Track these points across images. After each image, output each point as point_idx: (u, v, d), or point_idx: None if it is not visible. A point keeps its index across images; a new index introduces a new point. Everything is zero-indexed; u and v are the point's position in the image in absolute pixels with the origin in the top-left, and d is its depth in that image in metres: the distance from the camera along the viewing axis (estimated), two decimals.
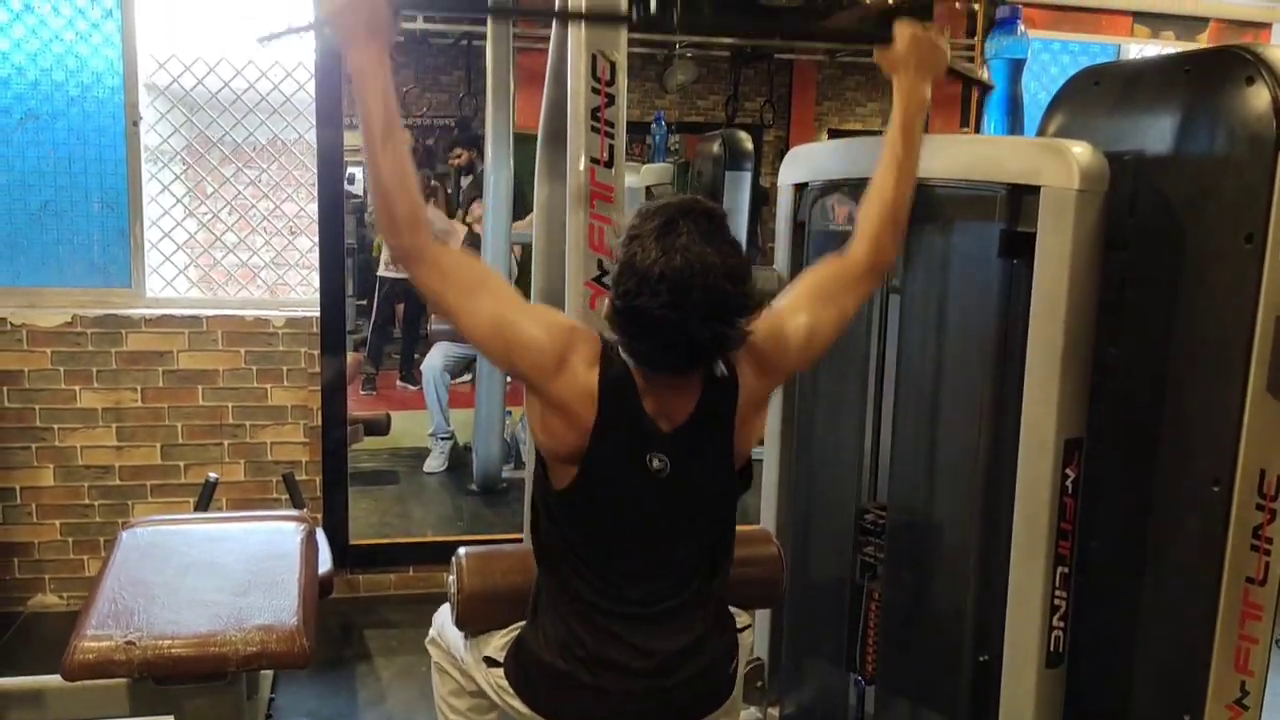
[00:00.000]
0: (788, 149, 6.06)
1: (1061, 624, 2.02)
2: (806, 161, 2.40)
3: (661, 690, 1.59)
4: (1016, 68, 2.11)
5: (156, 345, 3.36)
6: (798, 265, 2.44)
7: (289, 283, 3.66)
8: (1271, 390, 1.83)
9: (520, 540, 3.71)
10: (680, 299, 1.36)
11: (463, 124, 7.59)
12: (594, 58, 2.01)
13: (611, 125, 2.03)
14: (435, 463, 5.09)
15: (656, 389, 1.51)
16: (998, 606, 2.07)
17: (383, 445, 4.82)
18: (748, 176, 4.77)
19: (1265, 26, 3.85)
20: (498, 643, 1.74)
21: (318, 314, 3.41)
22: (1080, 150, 1.90)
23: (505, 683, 1.68)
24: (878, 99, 9.25)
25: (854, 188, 2.26)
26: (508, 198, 4.37)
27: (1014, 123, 2.13)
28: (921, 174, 2.11)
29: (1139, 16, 3.85)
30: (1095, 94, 2.18)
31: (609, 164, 2.03)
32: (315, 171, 3.43)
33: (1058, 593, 2.01)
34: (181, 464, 3.42)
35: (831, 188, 2.30)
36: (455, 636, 1.88)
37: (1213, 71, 1.90)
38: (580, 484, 1.52)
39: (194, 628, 1.86)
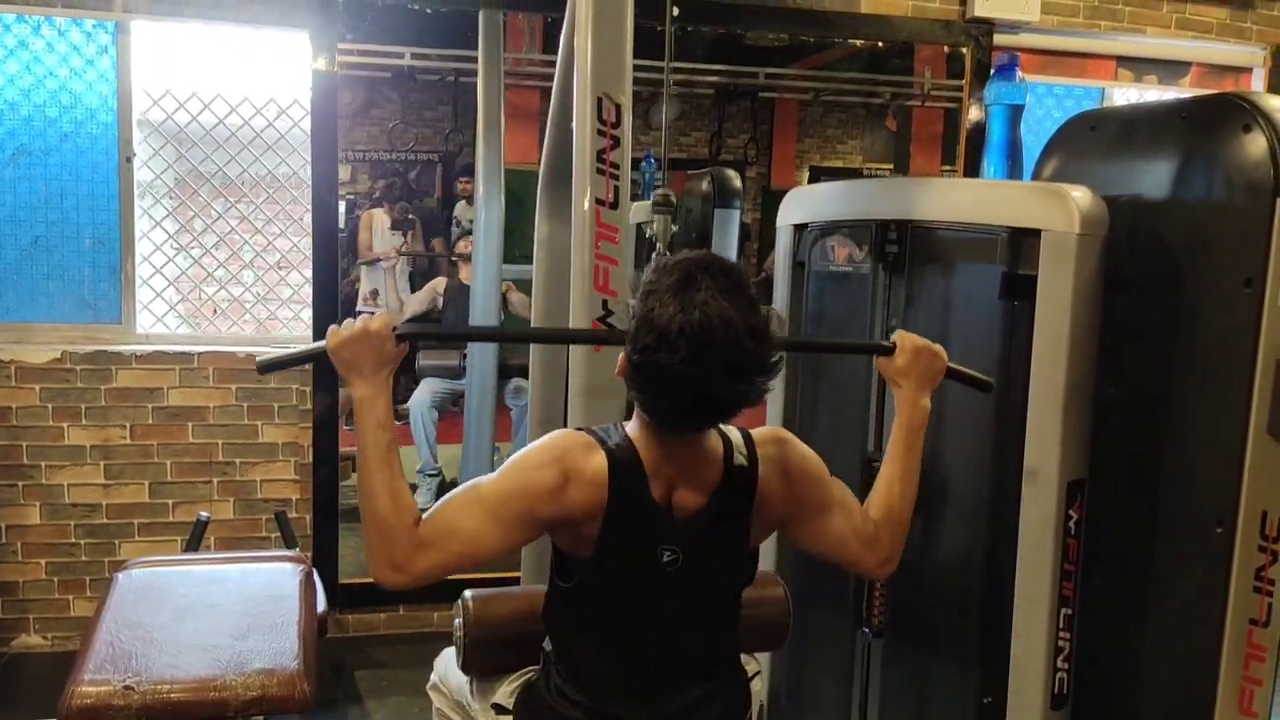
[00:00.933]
0: (769, 186, 6.12)
1: (1065, 665, 2.02)
2: (807, 202, 2.42)
3: None
4: (1015, 113, 2.14)
5: (146, 382, 3.33)
6: (797, 304, 2.46)
7: (280, 318, 3.64)
8: (1272, 433, 1.85)
9: (519, 579, 3.70)
10: (699, 354, 1.34)
11: (450, 158, 7.61)
12: (600, 100, 2.03)
13: (616, 167, 2.04)
14: (422, 499, 5.06)
15: (671, 465, 1.48)
16: (1001, 648, 2.07)
17: None
18: (736, 215, 4.80)
19: (1246, 71, 3.93)
20: (506, 689, 1.72)
21: None
22: (1080, 195, 1.93)
23: None
24: (858, 137, 9.35)
25: (854, 229, 2.29)
26: (499, 234, 4.38)
27: (1013, 167, 2.16)
28: (923, 216, 2.15)
29: (1123, 61, 3.91)
30: (1091, 139, 2.22)
31: (614, 205, 2.04)
32: (307, 207, 3.43)
33: (1061, 634, 2.01)
34: (170, 502, 3.38)
35: (832, 228, 2.32)
36: (460, 682, 1.85)
37: (1211, 119, 1.93)
38: (589, 576, 1.49)
39: (193, 672, 1.83)
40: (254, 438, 3.42)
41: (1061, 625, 2.00)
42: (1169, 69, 3.94)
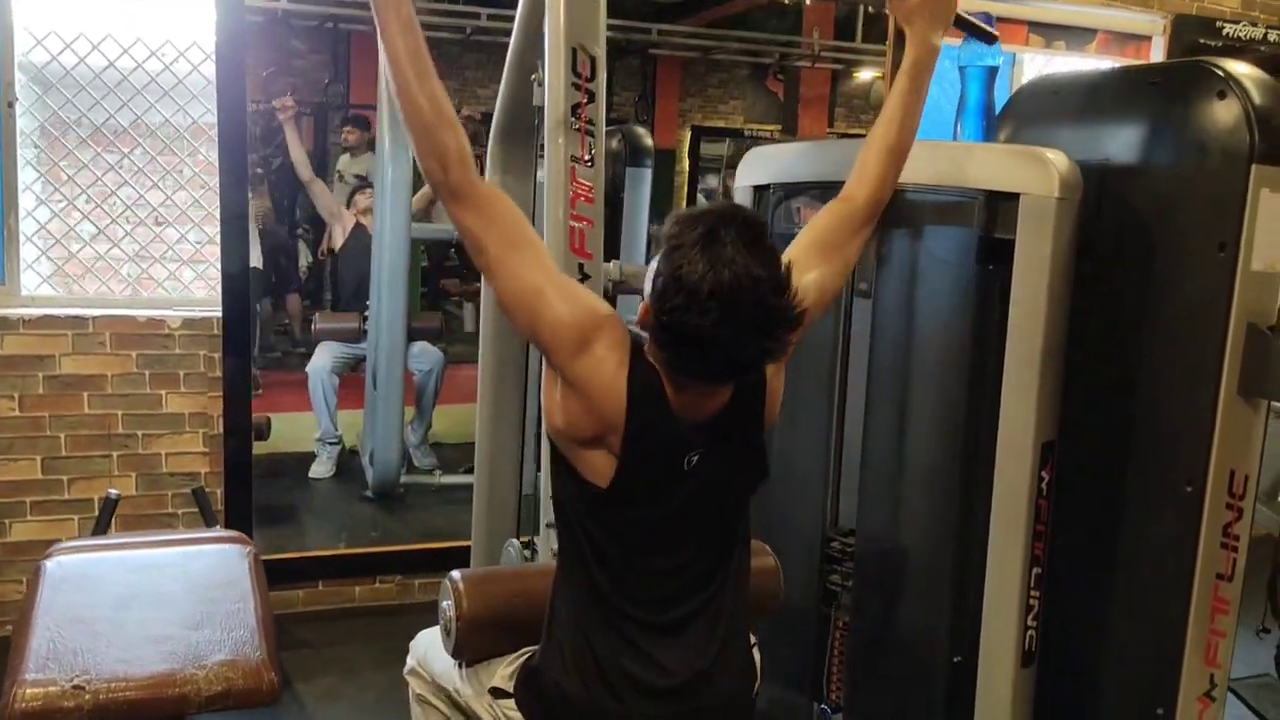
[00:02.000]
0: (654, 144, 6.04)
1: (1035, 623, 2.06)
2: (769, 163, 2.37)
3: (690, 714, 1.53)
4: (990, 74, 2.13)
5: (36, 349, 3.06)
6: None
7: (181, 279, 3.40)
8: (1242, 394, 1.91)
9: (458, 545, 3.59)
10: (730, 315, 1.32)
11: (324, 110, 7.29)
12: (574, 51, 1.92)
13: (592, 123, 1.94)
14: (322, 468, 4.85)
15: (686, 390, 1.46)
16: (970, 609, 2.09)
17: (261, 451, 4.59)
18: (648, 173, 4.73)
19: (1147, 39, 4.06)
20: (503, 671, 1.64)
21: (219, 314, 3.18)
22: (1057, 158, 1.93)
23: (518, 714, 1.59)
24: (740, 97, 9.44)
25: (824, 190, 2.24)
26: (407, 188, 4.19)
27: (989, 130, 2.15)
28: (903, 179, 2.12)
29: (1033, 26, 3.99)
30: (1054, 103, 2.23)
31: (590, 163, 1.94)
32: (209, 159, 3.20)
33: (1032, 593, 2.04)
34: (65, 479, 3.13)
35: (797, 190, 2.28)
36: (446, 666, 1.76)
37: (1183, 85, 1.96)
38: (616, 485, 1.46)
39: (149, 667, 1.69)
40: (157, 408, 3.19)
41: (1032, 584, 2.04)
42: (1076, 36, 4.04)
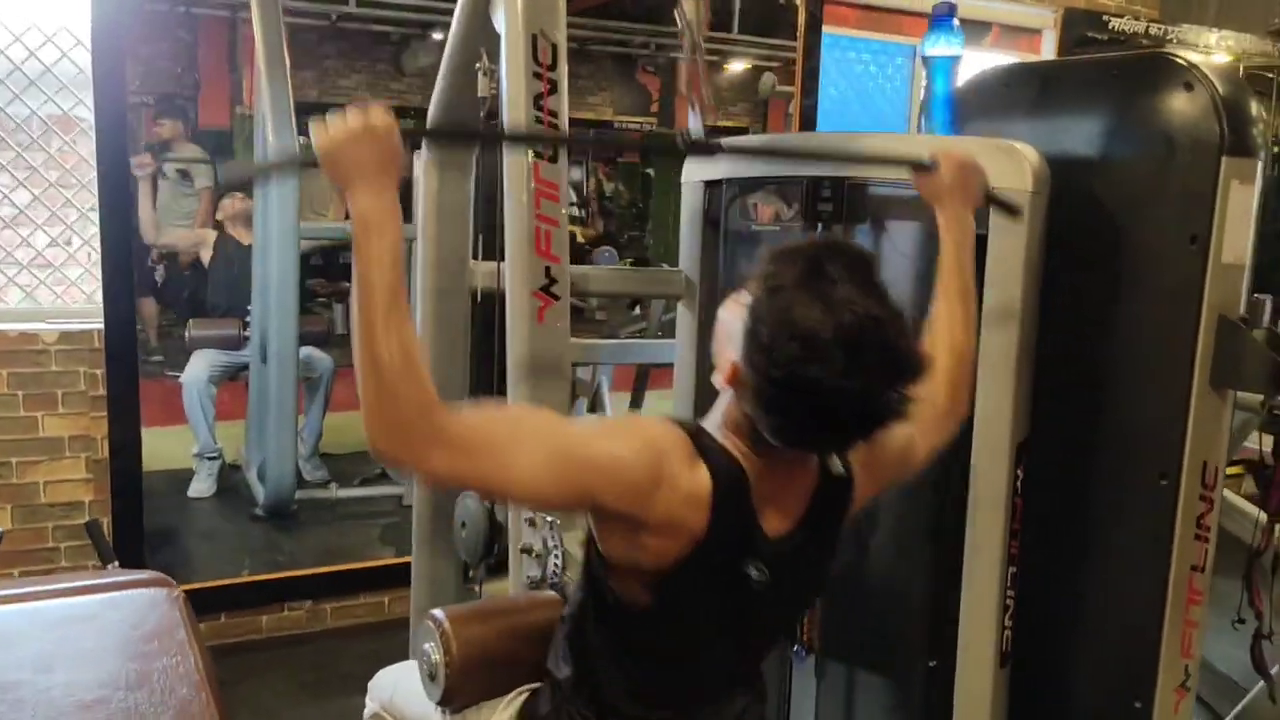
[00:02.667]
0: None
1: (1010, 623, 2.03)
2: (719, 158, 2.27)
3: None
4: (955, 65, 2.09)
5: None
6: (710, 266, 2.32)
7: (51, 287, 3.08)
8: (1214, 385, 1.92)
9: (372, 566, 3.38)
10: (856, 363, 1.13)
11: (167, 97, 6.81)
12: (534, 38, 1.78)
13: (555, 115, 1.81)
14: (203, 486, 4.52)
15: (769, 483, 1.28)
16: (944, 612, 2.06)
17: None
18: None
19: (1037, 33, 4.15)
20: (503, 715, 1.50)
21: (100, 325, 2.89)
22: (1030, 151, 1.90)
23: None
24: (609, 88, 9.34)
25: (781, 186, 2.17)
26: (294, 189, 3.92)
27: (954, 122, 2.11)
28: (861, 172, 2.06)
29: None
30: (1008, 95, 2.21)
31: (554, 159, 1.81)
32: (81, 155, 2.91)
33: (1009, 593, 2.02)
34: None
35: (754, 185, 2.19)
36: (423, 712, 1.61)
37: (1148, 77, 1.95)
38: (663, 600, 1.27)
39: None
40: (33, 431, 2.88)
41: (1009, 584, 2.01)
42: (974, 30, 4.09)
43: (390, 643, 3.23)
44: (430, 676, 1.54)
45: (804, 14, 3.63)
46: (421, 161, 2.21)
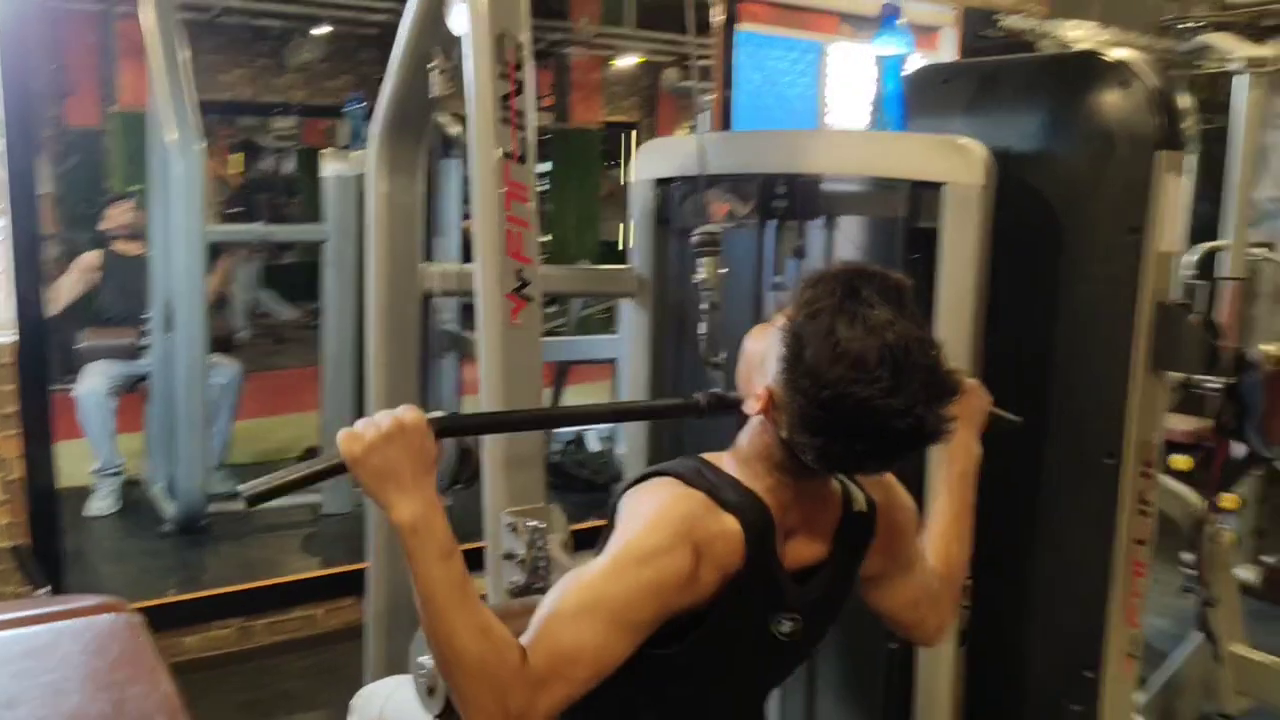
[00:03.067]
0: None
1: (967, 603, 2.10)
2: (672, 155, 2.29)
3: None
4: (903, 63, 2.15)
5: None
6: (661, 263, 2.34)
7: None
8: (1152, 368, 2.02)
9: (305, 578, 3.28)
10: (901, 384, 1.14)
11: None
12: (500, 38, 1.76)
13: (522, 115, 1.79)
14: (104, 503, 4.33)
15: (795, 514, 1.29)
16: None
17: None
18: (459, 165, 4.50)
19: (936, 30, 4.28)
20: None
21: (15, 338, 2.73)
22: (979, 147, 1.97)
23: None
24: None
25: (735, 183, 2.19)
26: (199, 184, 3.77)
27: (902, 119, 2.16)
28: (815, 169, 2.10)
29: (844, 18, 4.12)
30: (946, 92, 2.28)
31: (522, 159, 1.79)
32: None
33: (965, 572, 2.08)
34: None
35: (707, 183, 2.20)
36: None
37: (1085, 75, 2.04)
38: (689, 643, 1.25)
39: None
40: None
41: None
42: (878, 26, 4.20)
43: (329, 656, 3.17)
44: (430, 690, 1.51)
45: (721, 12, 3.67)
46: (370, 163, 2.16)
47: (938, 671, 2.09)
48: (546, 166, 8.70)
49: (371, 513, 2.27)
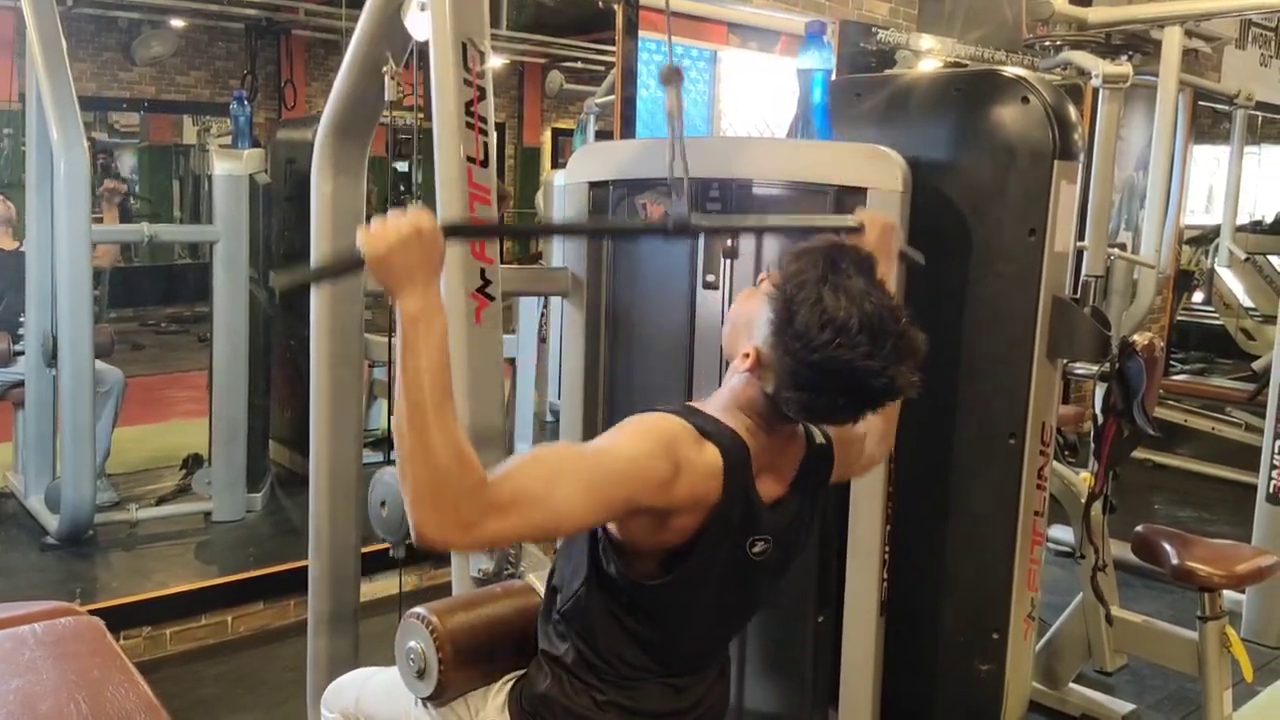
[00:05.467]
0: (279, 130, 5.66)
1: (887, 576, 2.28)
2: (606, 159, 2.38)
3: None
4: (828, 77, 2.29)
5: None
6: (596, 262, 2.43)
7: None
8: (1049, 357, 2.24)
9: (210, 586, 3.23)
10: (878, 347, 1.30)
11: None
12: (464, 46, 1.83)
13: (485, 120, 1.86)
14: None
15: (768, 454, 1.42)
16: (830, 570, 2.28)
17: None
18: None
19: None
20: (492, 705, 1.55)
21: None
22: (897, 157, 2.14)
23: None
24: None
25: (671, 186, 2.30)
26: (84, 184, 3.64)
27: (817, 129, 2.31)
28: (747, 174, 2.24)
29: (732, 28, 4.30)
30: (859, 105, 2.45)
31: (484, 163, 1.86)
32: None
33: (885, 548, 2.26)
34: None
35: (643, 186, 2.31)
36: (401, 710, 1.63)
37: (989, 91, 2.25)
38: (677, 573, 1.38)
39: None
40: None
41: (885, 540, 2.25)
42: (766, 37, 4.40)
43: (243, 662, 3.13)
44: (419, 674, 1.56)
45: (621, 18, 3.78)
46: (315, 164, 2.17)
47: (862, 640, 2.25)
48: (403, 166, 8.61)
49: (314, 506, 2.28)
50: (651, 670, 1.47)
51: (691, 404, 1.47)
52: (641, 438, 1.32)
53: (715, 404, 1.44)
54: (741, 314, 1.42)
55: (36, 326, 4.02)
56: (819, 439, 1.53)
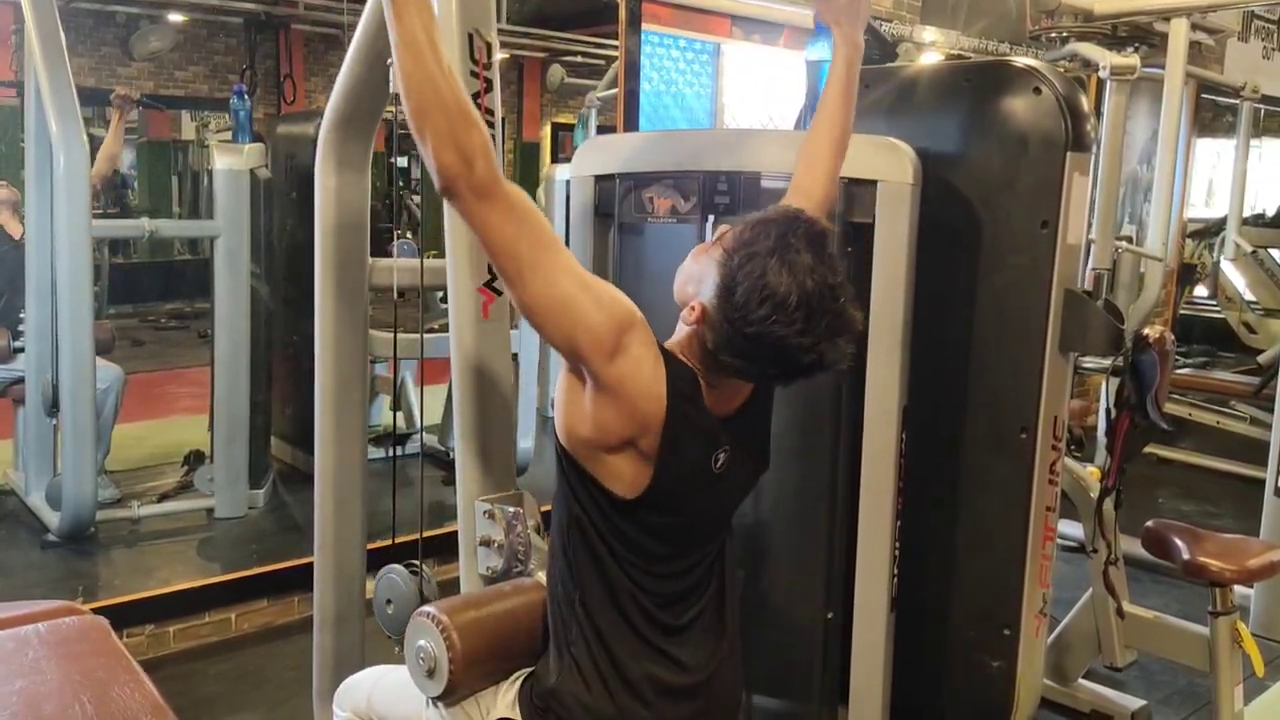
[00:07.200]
0: (279, 125, 5.65)
1: (896, 571, 2.26)
2: (612, 152, 2.36)
3: (710, 709, 1.54)
4: None
5: None
6: (602, 257, 2.41)
7: None
8: (1061, 350, 2.22)
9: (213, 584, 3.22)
10: (813, 325, 1.34)
11: None
12: (470, 37, 1.80)
13: (491, 113, 1.83)
14: None
15: (719, 388, 1.46)
16: (838, 568, 2.26)
17: None
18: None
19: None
20: (504, 699, 1.54)
21: None
22: (908, 149, 2.12)
23: None
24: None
25: (678, 180, 2.28)
26: (84, 178, 3.61)
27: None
28: (755, 167, 2.21)
29: (735, 20, 4.27)
30: (867, 96, 2.42)
31: None
32: None
33: (895, 544, 2.24)
34: None
35: (649, 180, 2.29)
36: (413, 709, 1.62)
37: (1000, 82, 2.22)
38: (648, 492, 1.42)
39: None
40: None
41: (895, 537, 2.23)
42: (768, 30, 4.37)
43: (246, 660, 3.12)
44: (429, 673, 1.54)
45: (624, 11, 3.75)
46: (319, 158, 2.15)
47: (871, 637, 2.23)
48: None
49: (320, 506, 2.26)
50: (642, 625, 1.48)
51: None
52: (614, 303, 1.38)
53: (671, 344, 1.47)
54: (694, 268, 1.45)
55: (37, 325, 4.00)
56: None
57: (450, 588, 1.94)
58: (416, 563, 2.04)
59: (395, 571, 2.05)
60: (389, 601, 2.04)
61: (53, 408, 3.84)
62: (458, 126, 1.28)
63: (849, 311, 1.37)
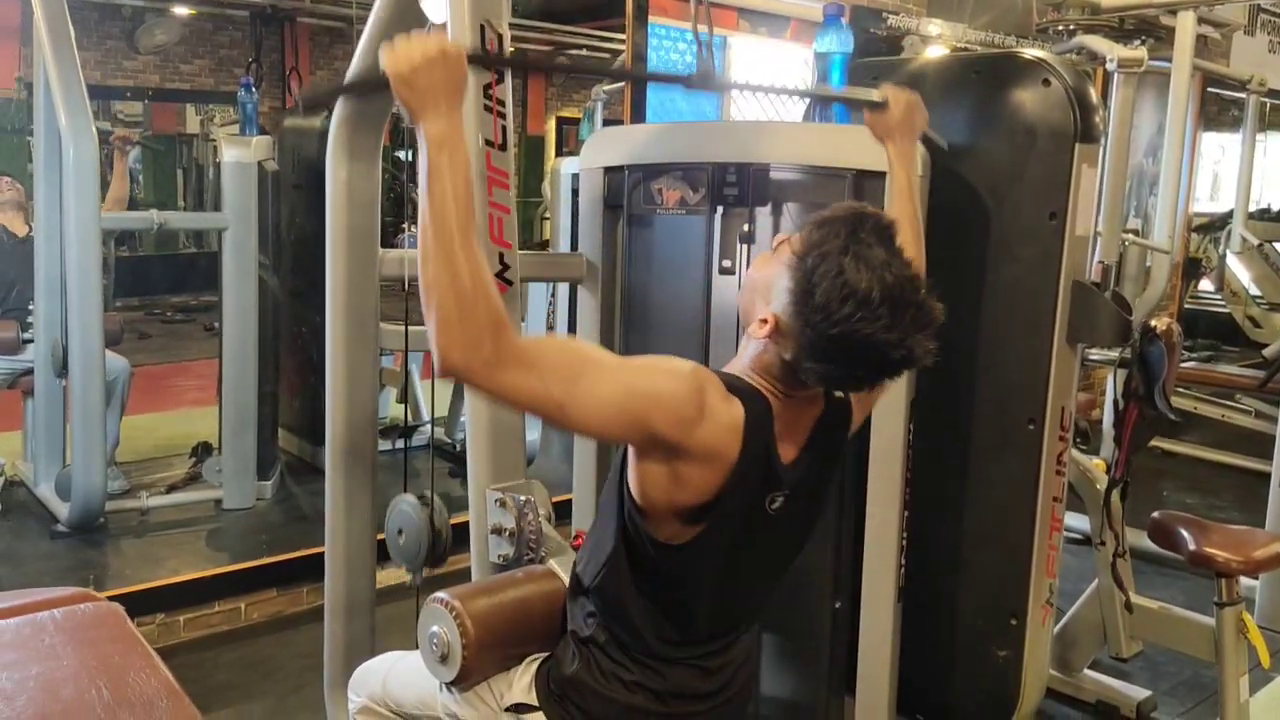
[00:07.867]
0: (286, 117, 5.67)
1: (904, 561, 2.27)
2: (621, 144, 2.37)
3: (725, 704, 1.55)
4: (846, 61, 2.27)
5: None
6: (611, 248, 2.42)
7: None
8: (1069, 341, 2.23)
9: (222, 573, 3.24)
10: (898, 319, 1.28)
11: None
12: (482, 29, 1.81)
13: (503, 104, 1.84)
14: None
15: (787, 415, 1.41)
16: (847, 557, 2.27)
17: None
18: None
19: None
20: (520, 684, 1.54)
21: None
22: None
23: None
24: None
25: (687, 171, 2.29)
26: (93, 171, 3.62)
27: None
28: (765, 158, 2.23)
29: (742, 13, 4.27)
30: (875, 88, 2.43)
31: (503, 147, 1.85)
32: None
33: (903, 534, 2.25)
34: None
35: (658, 171, 2.30)
36: (427, 693, 1.63)
37: (1008, 74, 2.23)
38: (699, 536, 1.37)
39: None
40: None
41: (903, 526, 2.24)
42: (775, 23, 4.38)
43: (257, 648, 3.13)
44: (442, 659, 1.56)
45: (631, 5, 3.76)
46: (330, 149, 2.16)
47: (879, 627, 2.24)
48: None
49: (330, 496, 2.28)
50: (679, 644, 1.47)
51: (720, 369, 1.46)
52: (676, 371, 1.31)
53: (737, 366, 1.43)
54: (760, 279, 1.41)
55: (46, 317, 4.01)
56: (837, 393, 1.51)
57: (459, 578, 1.95)
58: (428, 493, 2.07)
59: (407, 502, 2.07)
60: (400, 531, 2.06)
61: (62, 369, 3.84)
62: (471, 309, 1.17)
63: (930, 303, 1.32)
